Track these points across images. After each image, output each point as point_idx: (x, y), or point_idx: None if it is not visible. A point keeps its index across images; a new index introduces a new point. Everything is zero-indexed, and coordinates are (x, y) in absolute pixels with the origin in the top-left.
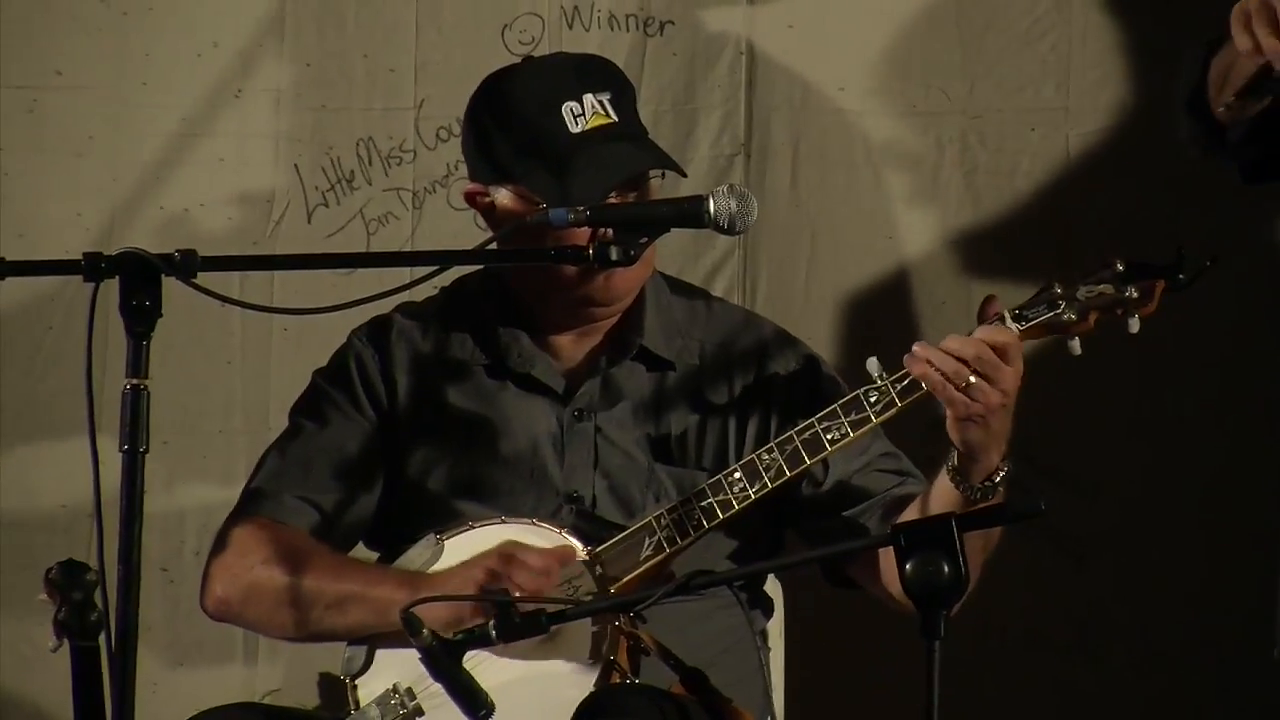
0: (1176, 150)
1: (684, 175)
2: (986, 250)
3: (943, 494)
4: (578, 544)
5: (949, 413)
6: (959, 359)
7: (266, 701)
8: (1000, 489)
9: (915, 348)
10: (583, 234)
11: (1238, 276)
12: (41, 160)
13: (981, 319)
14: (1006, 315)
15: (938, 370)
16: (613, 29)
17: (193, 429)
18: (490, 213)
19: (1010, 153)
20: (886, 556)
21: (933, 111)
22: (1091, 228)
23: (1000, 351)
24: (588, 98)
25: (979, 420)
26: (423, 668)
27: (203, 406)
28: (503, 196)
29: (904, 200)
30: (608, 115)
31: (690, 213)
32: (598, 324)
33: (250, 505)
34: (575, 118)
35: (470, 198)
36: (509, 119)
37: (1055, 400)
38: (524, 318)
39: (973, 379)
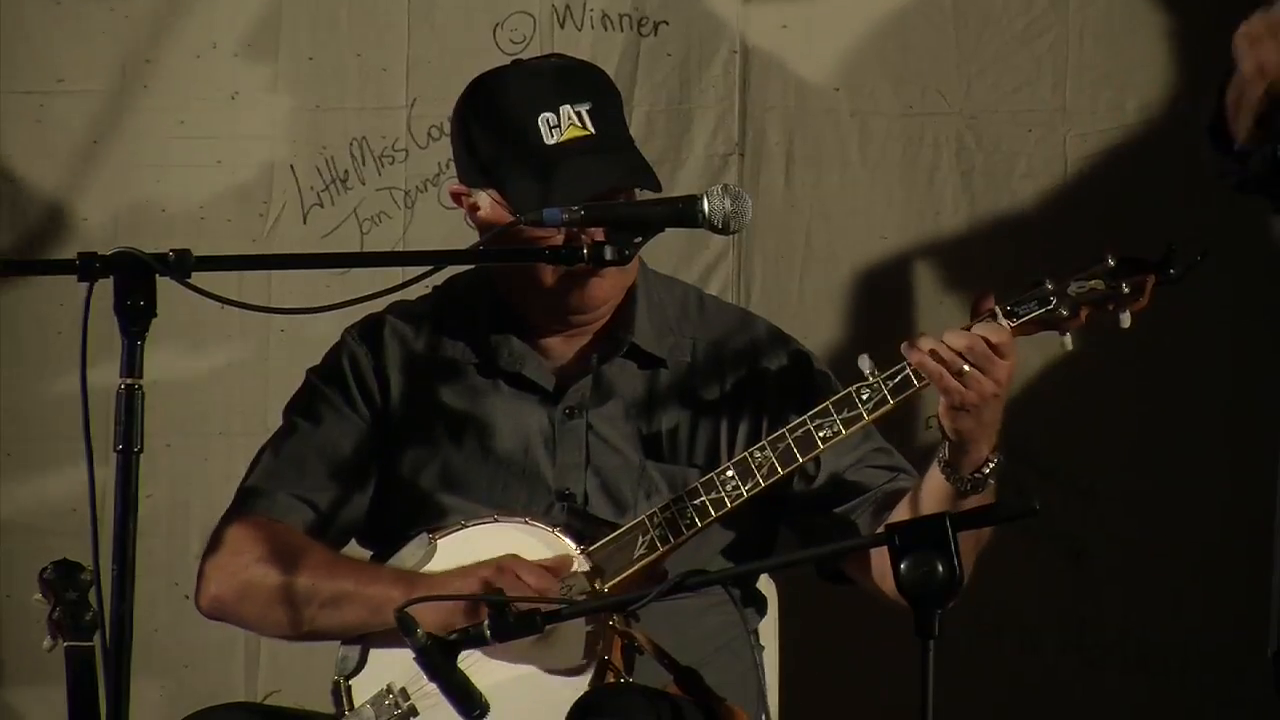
0: (1174, 150)
1: (658, 191)
2: (982, 251)
3: (933, 487)
4: (571, 544)
5: (942, 401)
6: (954, 349)
7: (267, 702)
8: (990, 481)
9: (910, 340)
10: (564, 236)
11: (1238, 276)
12: (47, 165)
13: (975, 314)
14: (999, 311)
15: (934, 358)
16: (606, 29)
17: (193, 431)
18: (474, 213)
19: (1007, 154)
20: (880, 553)
21: (928, 112)
22: (1088, 228)
23: (994, 346)
24: (564, 109)
25: (971, 409)
26: (417, 668)
27: (203, 408)
28: (483, 199)
29: (899, 201)
30: (584, 127)
31: (685, 212)
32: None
33: (245, 503)
34: (551, 129)
35: (456, 196)
36: (490, 125)
37: (1054, 401)
38: (514, 317)
39: (967, 368)
